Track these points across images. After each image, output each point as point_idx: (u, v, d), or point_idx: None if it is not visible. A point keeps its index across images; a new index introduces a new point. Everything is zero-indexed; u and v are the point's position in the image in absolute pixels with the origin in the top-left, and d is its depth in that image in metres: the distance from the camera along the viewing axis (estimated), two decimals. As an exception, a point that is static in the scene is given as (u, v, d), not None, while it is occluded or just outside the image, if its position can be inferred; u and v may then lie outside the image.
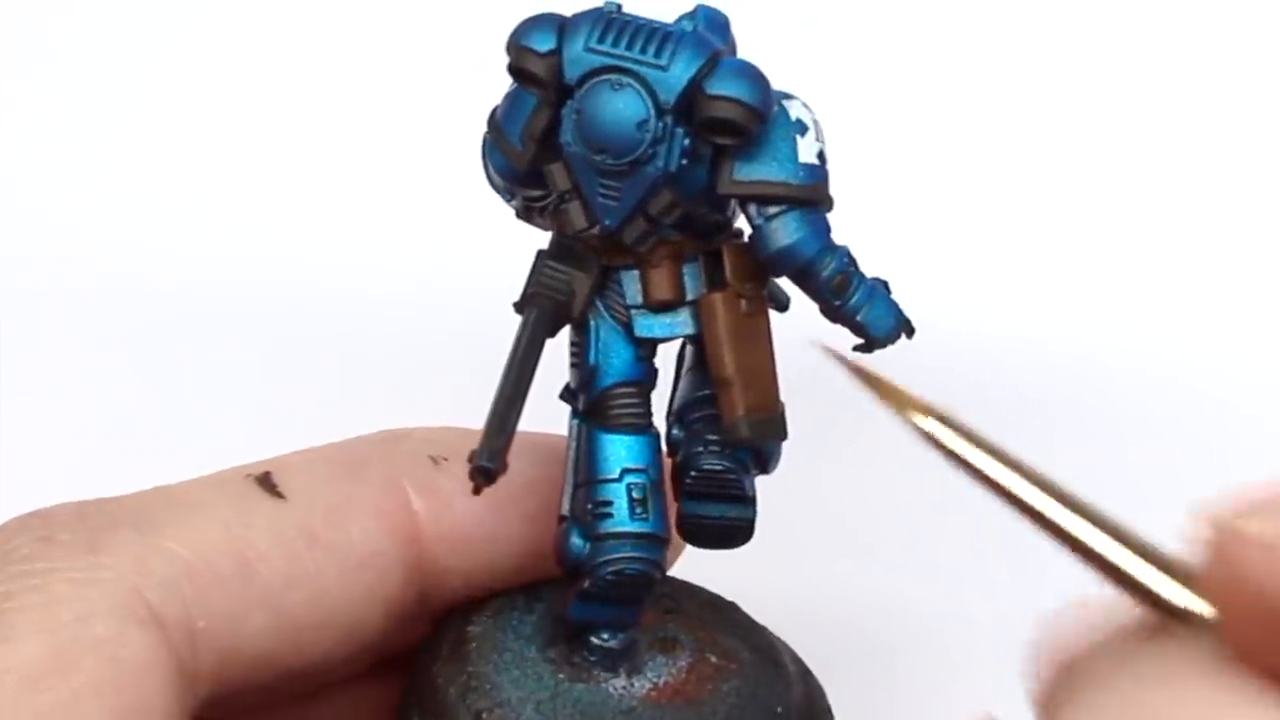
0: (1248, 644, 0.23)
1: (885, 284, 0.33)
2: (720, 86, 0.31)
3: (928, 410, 0.26)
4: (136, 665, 0.30)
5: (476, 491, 0.30)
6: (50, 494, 0.33)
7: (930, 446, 0.25)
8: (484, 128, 0.34)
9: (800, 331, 0.34)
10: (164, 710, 0.30)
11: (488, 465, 0.30)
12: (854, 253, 0.33)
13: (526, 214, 0.35)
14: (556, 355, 0.34)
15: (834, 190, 0.33)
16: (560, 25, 0.32)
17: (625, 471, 0.33)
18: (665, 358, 0.35)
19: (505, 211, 0.35)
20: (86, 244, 0.64)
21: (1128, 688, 0.23)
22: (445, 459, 0.36)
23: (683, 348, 0.36)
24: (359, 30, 0.65)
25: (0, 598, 0.30)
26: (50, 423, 0.58)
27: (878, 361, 0.33)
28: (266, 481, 0.34)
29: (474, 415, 0.32)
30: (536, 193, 0.34)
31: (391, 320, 0.61)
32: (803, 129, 0.33)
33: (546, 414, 0.34)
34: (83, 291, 0.62)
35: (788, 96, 0.33)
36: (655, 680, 0.35)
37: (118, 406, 0.58)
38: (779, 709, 0.34)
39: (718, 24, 0.33)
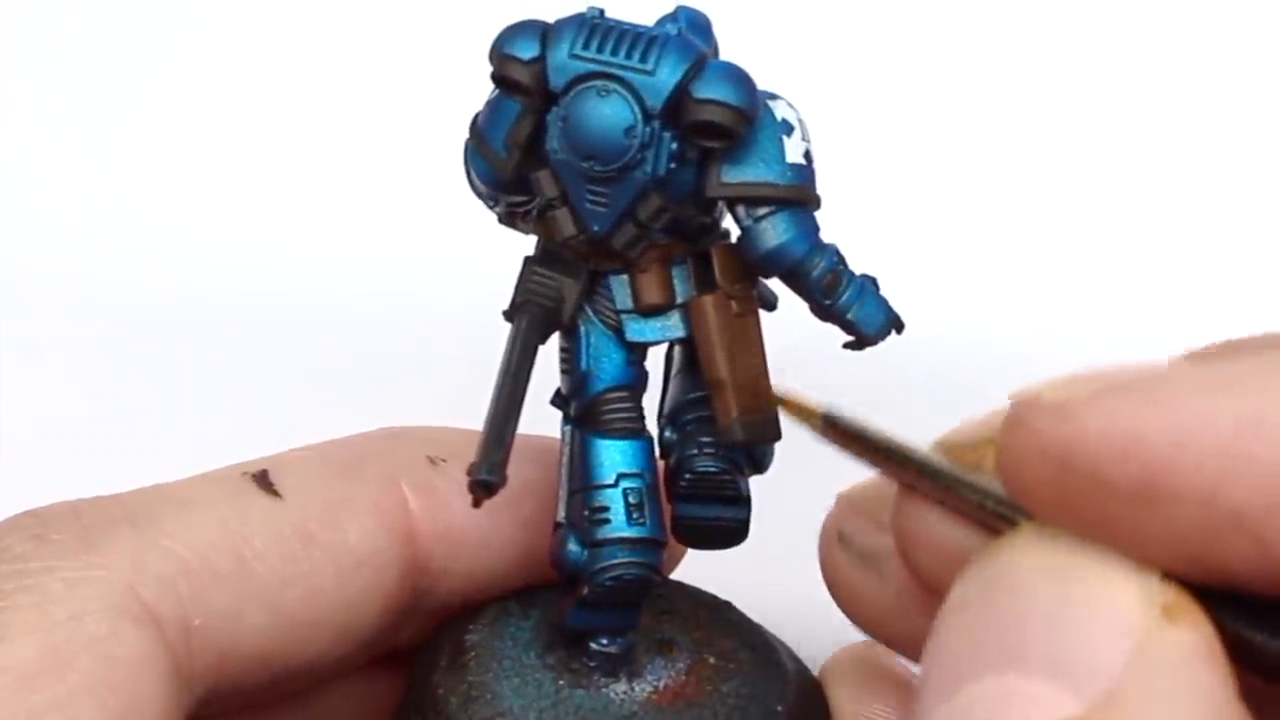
0: (1044, 505, 0.26)
1: (874, 281, 0.34)
2: (707, 90, 0.31)
3: (824, 414, 0.32)
4: (131, 663, 0.30)
5: (477, 504, 0.30)
6: (46, 493, 0.33)
7: (831, 443, 0.31)
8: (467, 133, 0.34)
9: (790, 330, 0.34)
10: (159, 709, 0.30)
11: (487, 478, 0.30)
12: (842, 250, 0.33)
13: (509, 220, 0.35)
14: (547, 360, 0.34)
15: (821, 189, 0.33)
16: (543, 32, 0.32)
17: (621, 477, 0.33)
18: (653, 361, 0.35)
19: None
20: (84, 240, 0.64)
21: (973, 570, 0.27)
22: (443, 459, 0.36)
23: (670, 350, 0.36)
24: (352, 36, 0.65)
25: None
26: (47, 421, 0.58)
27: (869, 358, 0.34)
28: (263, 479, 0.34)
29: (471, 415, 0.32)
30: (520, 199, 0.33)
31: (388, 320, 0.61)
32: (789, 129, 0.33)
33: (541, 416, 0.34)
34: (80, 291, 0.62)
35: (772, 96, 0.33)
36: (655, 684, 0.35)
37: (115, 405, 0.58)
38: (778, 708, 0.34)
39: (699, 25, 0.33)
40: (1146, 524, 0.25)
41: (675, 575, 0.38)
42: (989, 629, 0.26)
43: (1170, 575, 0.25)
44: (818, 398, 0.32)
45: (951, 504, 0.30)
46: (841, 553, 0.34)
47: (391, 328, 0.61)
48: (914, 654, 0.32)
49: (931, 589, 0.30)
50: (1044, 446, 0.26)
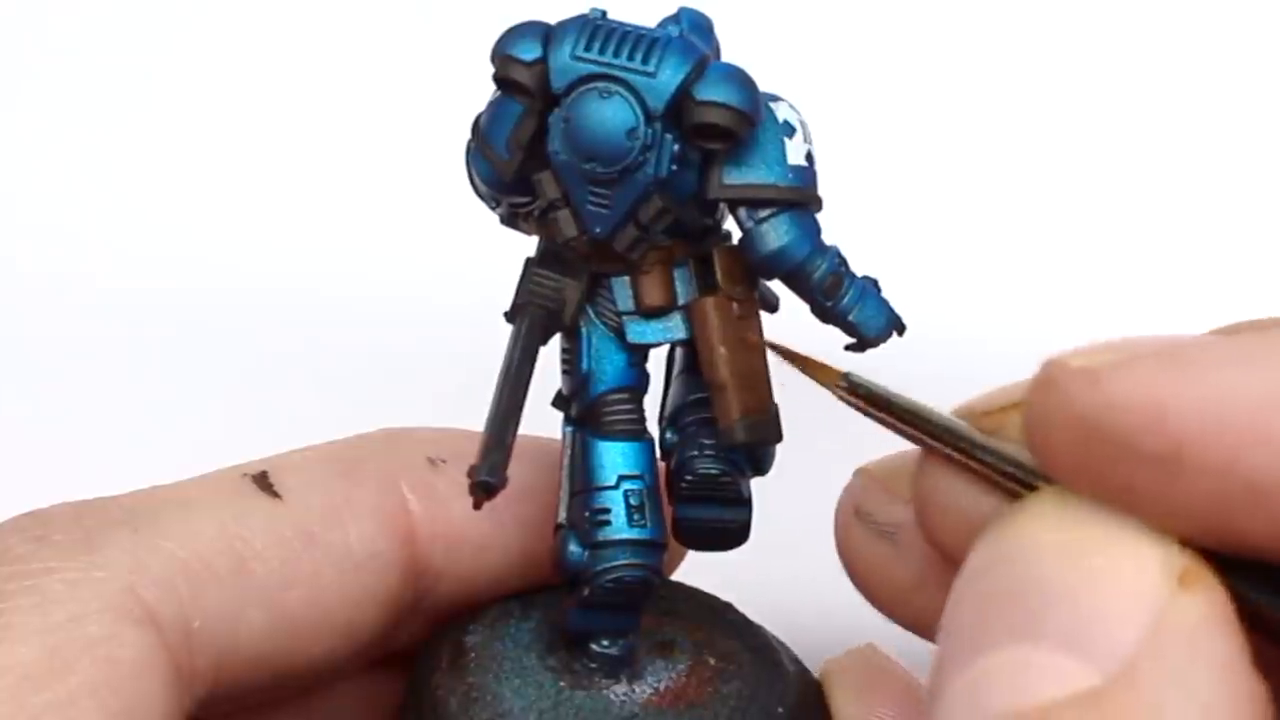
0: (1069, 468, 0.26)
1: (875, 282, 0.34)
2: (709, 92, 0.31)
3: (845, 377, 0.31)
4: (132, 665, 0.30)
5: (477, 506, 0.30)
6: (46, 493, 0.33)
7: (850, 405, 0.31)
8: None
9: (791, 332, 0.34)
10: (160, 711, 0.30)
11: (487, 480, 0.30)
12: (843, 252, 0.33)
13: (511, 220, 0.35)
14: (548, 361, 0.34)
15: (822, 190, 0.33)
16: (545, 33, 0.32)
17: (622, 478, 0.33)
18: (655, 362, 0.35)
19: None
20: (84, 240, 0.64)
21: (989, 537, 0.27)
22: (443, 460, 0.36)
23: (672, 351, 0.36)
24: (353, 37, 0.65)
25: None
26: (47, 421, 0.58)
27: (870, 360, 0.34)
28: (263, 481, 0.34)
29: (472, 416, 0.32)
30: (522, 200, 0.33)
31: (388, 321, 0.61)
32: (790, 130, 0.33)
33: (542, 418, 0.34)
34: (80, 292, 0.62)
35: (774, 98, 0.33)
36: (656, 685, 0.35)
37: (115, 405, 0.58)
38: (779, 709, 0.34)
39: (701, 27, 0.33)
40: (1168, 491, 0.25)
41: (676, 576, 0.38)
42: (1005, 599, 0.25)
43: (1186, 542, 0.25)
44: (819, 392, 0.32)
45: (971, 468, 0.30)
46: (859, 528, 0.33)
47: (392, 328, 0.61)
48: (931, 634, 0.32)
49: (949, 558, 0.30)
50: (1072, 409, 0.26)
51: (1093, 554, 0.25)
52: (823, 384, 0.32)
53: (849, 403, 0.31)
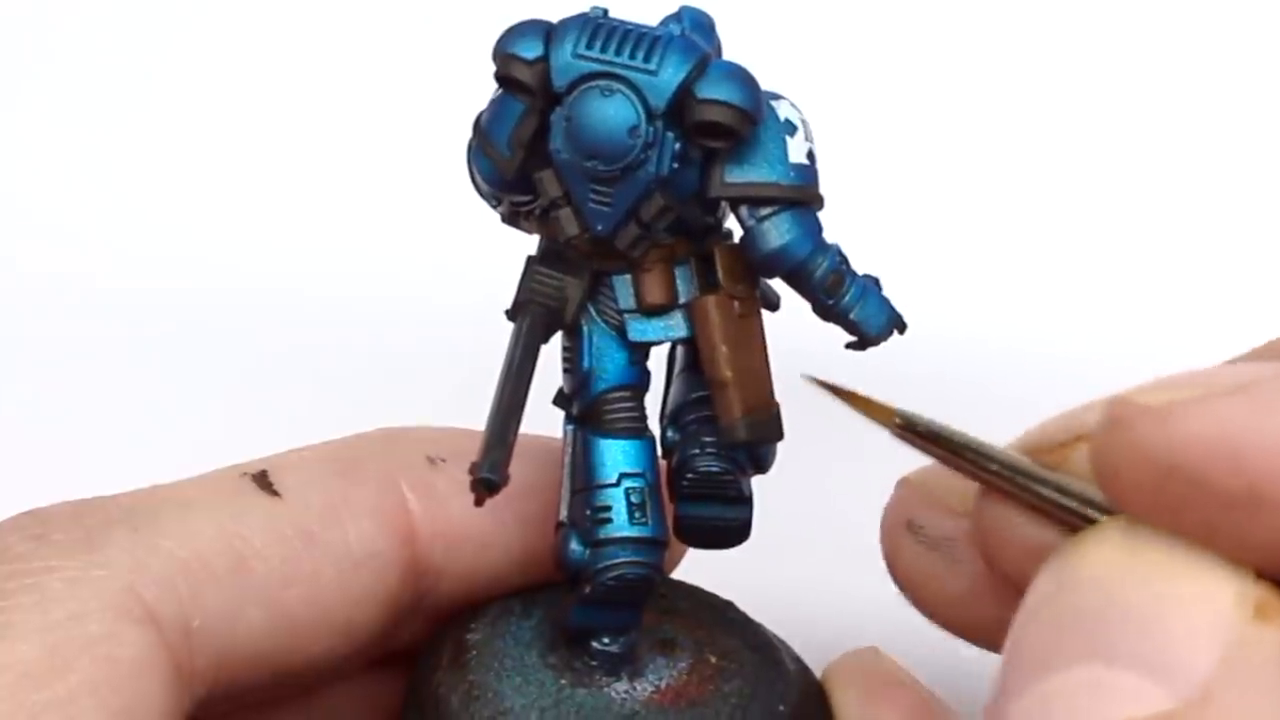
0: (1141, 507, 0.26)
1: (877, 281, 0.34)
2: (710, 90, 0.31)
3: (900, 415, 0.31)
4: (132, 664, 0.30)
5: (479, 503, 0.30)
6: (46, 493, 0.33)
7: (908, 444, 0.31)
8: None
9: (792, 330, 0.34)
10: (160, 709, 0.30)
11: (489, 477, 0.30)
12: (844, 250, 0.33)
13: (513, 219, 0.35)
14: (550, 359, 0.34)
15: (824, 189, 0.33)
16: (546, 32, 0.32)
17: (623, 476, 0.33)
18: (656, 360, 0.35)
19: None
20: (84, 240, 0.64)
21: (1058, 563, 0.27)
22: (443, 459, 0.36)
23: (673, 349, 0.36)
24: (353, 35, 0.65)
25: None
26: (47, 421, 0.58)
27: (871, 358, 0.34)
28: (262, 479, 0.34)
29: (472, 415, 0.32)
30: (523, 198, 0.33)
31: (388, 320, 0.61)
32: (792, 129, 0.33)
33: (543, 416, 0.34)
34: (80, 292, 0.62)
35: (776, 97, 0.33)
36: (657, 683, 0.35)
37: (115, 405, 0.58)
38: (780, 708, 0.34)
39: (703, 25, 0.33)
40: (1247, 528, 0.25)
41: (676, 574, 0.38)
42: (1076, 621, 0.25)
43: (1262, 574, 0.25)
44: (819, 391, 0.32)
45: (1033, 502, 0.29)
46: (909, 540, 0.33)
47: (392, 328, 0.61)
48: (984, 640, 0.32)
49: (1014, 584, 0.29)
50: (1145, 449, 0.25)
51: (1167, 579, 0.25)
52: (877, 421, 0.32)
53: (905, 440, 0.31)
